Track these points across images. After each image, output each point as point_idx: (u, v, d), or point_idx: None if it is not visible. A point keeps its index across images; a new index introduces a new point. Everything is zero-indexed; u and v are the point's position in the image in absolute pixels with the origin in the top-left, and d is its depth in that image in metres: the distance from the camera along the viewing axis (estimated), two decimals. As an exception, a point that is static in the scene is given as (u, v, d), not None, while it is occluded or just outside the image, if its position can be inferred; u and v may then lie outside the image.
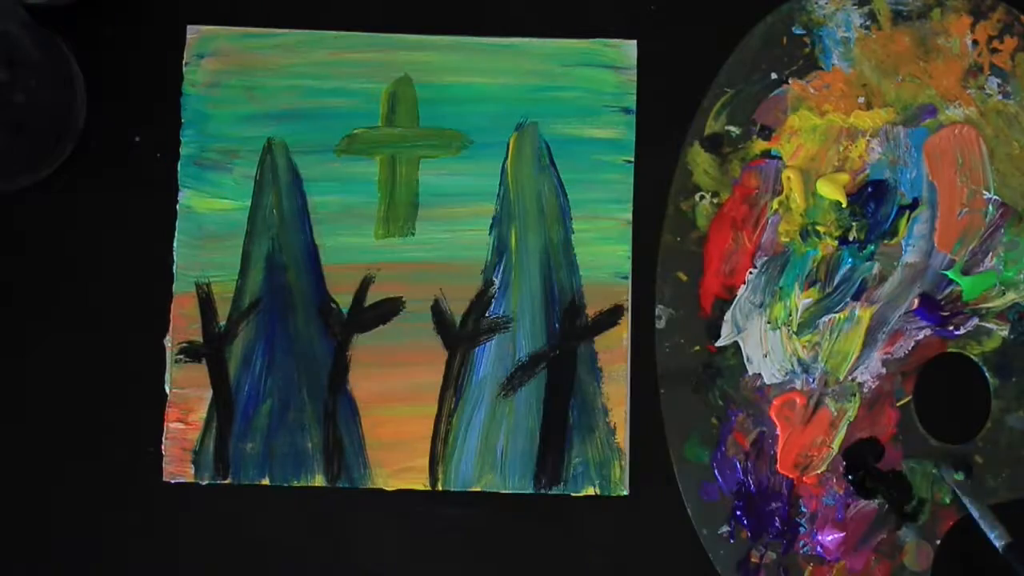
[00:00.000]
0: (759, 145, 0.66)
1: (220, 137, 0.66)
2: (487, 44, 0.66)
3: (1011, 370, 0.64)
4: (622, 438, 0.64)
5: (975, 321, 0.64)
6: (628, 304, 0.65)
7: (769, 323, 0.65)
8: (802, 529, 0.64)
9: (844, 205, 0.62)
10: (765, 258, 0.65)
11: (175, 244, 0.65)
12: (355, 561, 0.64)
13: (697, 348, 0.65)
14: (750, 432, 0.64)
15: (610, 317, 0.65)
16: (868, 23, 0.66)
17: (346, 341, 0.65)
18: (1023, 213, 0.65)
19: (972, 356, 0.65)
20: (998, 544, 0.50)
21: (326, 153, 0.66)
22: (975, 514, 0.60)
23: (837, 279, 0.65)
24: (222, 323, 0.65)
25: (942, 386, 0.64)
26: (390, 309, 0.65)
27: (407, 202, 0.66)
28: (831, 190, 0.64)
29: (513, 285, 0.65)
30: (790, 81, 0.66)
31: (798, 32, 0.66)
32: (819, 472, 0.64)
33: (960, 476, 0.61)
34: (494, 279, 0.65)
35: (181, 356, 0.64)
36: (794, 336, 0.65)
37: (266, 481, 0.64)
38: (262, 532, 0.64)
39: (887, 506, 0.64)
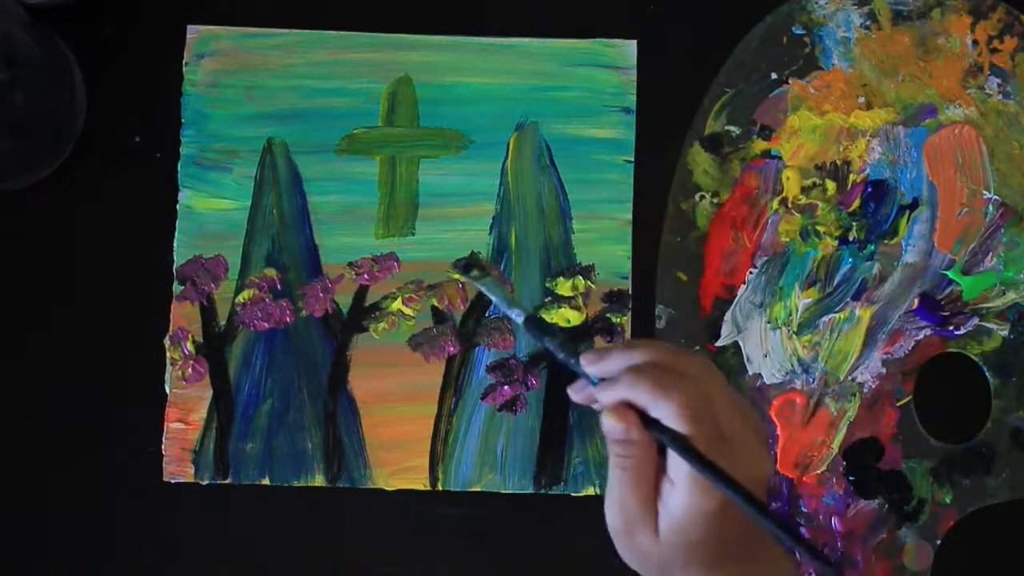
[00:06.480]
0: (759, 145, 0.66)
1: (220, 137, 0.66)
2: (487, 44, 0.66)
3: (1011, 370, 0.64)
4: (622, 438, 0.64)
5: (975, 321, 0.64)
6: (628, 304, 0.65)
7: (769, 323, 0.65)
8: (802, 529, 0.64)
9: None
10: (765, 258, 0.65)
11: (175, 244, 0.65)
12: (355, 561, 0.64)
13: (697, 348, 0.65)
14: (750, 432, 0.64)
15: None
16: (868, 23, 0.66)
17: (346, 341, 0.65)
18: (1023, 213, 0.65)
19: (972, 356, 0.64)
20: (519, 320, 0.49)
21: (326, 153, 0.66)
22: (494, 299, 0.54)
23: (837, 279, 0.65)
24: (222, 323, 0.65)
25: (942, 386, 0.64)
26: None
27: (407, 202, 0.66)
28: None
29: (513, 285, 0.65)
30: (790, 81, 0.66)
31: (798, 32, 0.66)
32: (819, 472, 0.64)
33: (476, 274, 0.58)
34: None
35: (181, 356, 0.65)
36: (794, 336, 0.64)
37: (266, 481, 0.64)
38: (262, 532, 0.64)
39: (887, 506, 0.64)
